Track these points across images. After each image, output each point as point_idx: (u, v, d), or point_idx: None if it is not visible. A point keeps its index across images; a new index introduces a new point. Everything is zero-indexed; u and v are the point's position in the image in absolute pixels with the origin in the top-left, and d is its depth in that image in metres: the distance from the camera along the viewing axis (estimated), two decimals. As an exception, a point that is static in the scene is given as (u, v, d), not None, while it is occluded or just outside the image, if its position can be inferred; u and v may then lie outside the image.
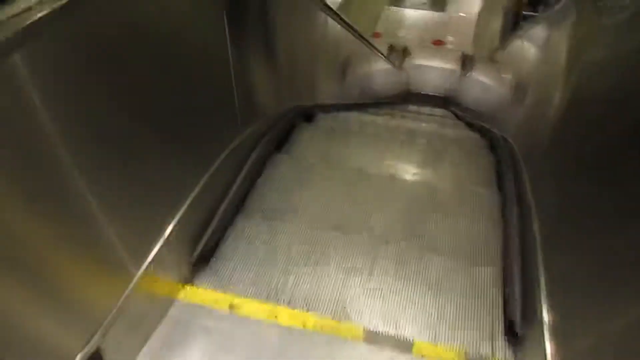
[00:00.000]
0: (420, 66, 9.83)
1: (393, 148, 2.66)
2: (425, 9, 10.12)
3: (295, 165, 2.35)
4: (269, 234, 1.99)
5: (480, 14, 9.24)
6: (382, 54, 6.30)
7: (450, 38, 9.88)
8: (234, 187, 2.09)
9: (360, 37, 4.42)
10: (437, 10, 10.09)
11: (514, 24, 6.05)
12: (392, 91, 8.07)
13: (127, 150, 1.35)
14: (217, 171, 1.92)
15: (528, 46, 3.06)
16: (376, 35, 9.57)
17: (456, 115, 5.86)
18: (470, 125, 4.16)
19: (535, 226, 1.90)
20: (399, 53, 9.30)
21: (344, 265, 1.86)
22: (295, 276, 1.83)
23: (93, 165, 1.19)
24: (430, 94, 9.72)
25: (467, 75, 8.50)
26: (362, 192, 2.21)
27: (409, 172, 2.47)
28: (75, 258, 1.23)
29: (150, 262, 1.57)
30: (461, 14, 10.08)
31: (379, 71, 6.47)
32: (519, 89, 2.96)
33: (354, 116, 3.43)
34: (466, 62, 9.50)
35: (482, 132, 3.28)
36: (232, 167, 2.09)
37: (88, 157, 1.16)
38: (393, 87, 8.20)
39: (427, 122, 3.96)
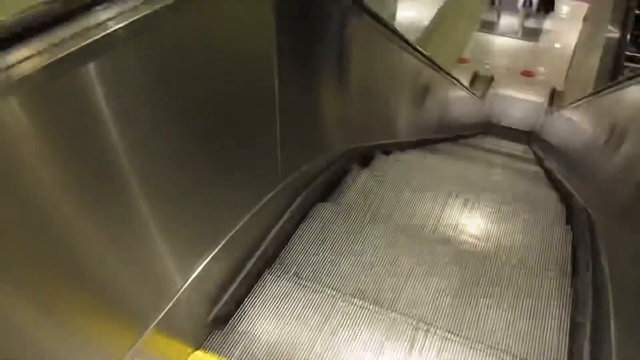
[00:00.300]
0: (504, 96, 9.34)
1: (456, 204, 2.36)
2: (517, 37, 9.62)
3: (341, 218, 2.11)
4: (297, 300, 1.76)
5: (576, 48, 8.62)
6: (462, 84, 5.95)
7: (540, 69, 9.30)
8: (268, 240, 1.88)
9: (439, 68, 4.14)
10: (529, 40, 9.57)
11: (615, 64, 5.49)
12: (471, 122, 7.67)
13: (170, 180, 1.25)
14: (250, 221, 1.73)
15: (633, 93, 2.69)
16: (463, 60, 9.20)
17: (538, 161, 5.40)
18: (548, 175, 3.75)
19: (613, 329, 1.57)
20: (483, 81, 8.87)
21: (376, 352, 1.61)
22: (317, 358, 1.60)
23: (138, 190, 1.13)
24: (512, 127, 9.20)
25: (555, 112, 7.94)
26: (412, 256, 1.95)
27: (469, 237, 2.17)
28: (94, 293, 1.10)
29: (162, 317, 1.40)
30: (556, 45, 9.47)
31: (459, 100, 6.12)
32: (612, 142, 2.59)
33: (417, 159, 3.14)
34: (555, 98, 8.91)
35: (563, 194, 2.90)
36: (268, 217, 1.89)
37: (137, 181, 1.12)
38: (473, 118, 7.80)
39: (501, 171, 3.59)
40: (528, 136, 8.29)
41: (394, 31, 2.73)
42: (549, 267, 1.97)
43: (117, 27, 0.88)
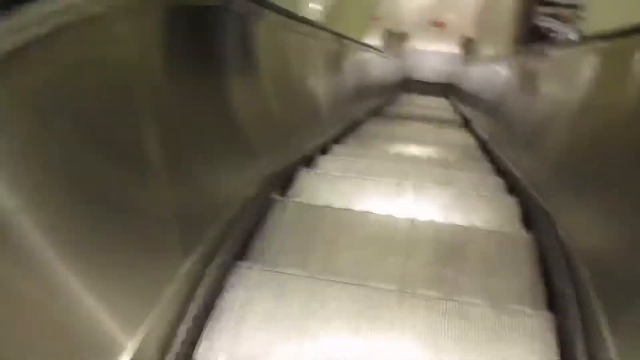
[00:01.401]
0: (418, 51, 9.05)
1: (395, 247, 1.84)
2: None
3: (262, 284, 1.59)
4: None
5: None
6: (376, 48, 5.52)
7: (452, 18, 9.03)
8: (179, 334, 1.38)
9: (344, 37, 3.70)
10: (438, -14, 9.22)
11: (528, 8, 5.21)
12: (393, 84, 7.30)
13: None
14: (158, 316, 1.21)
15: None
16: (376, 19, 8.74)
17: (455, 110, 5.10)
18: (487, 152, 3.41)
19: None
20: (396, 38, 8.51)
21: None
22: None
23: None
24: (430, 81, 8.97)
25: (469, 60, 7.74)
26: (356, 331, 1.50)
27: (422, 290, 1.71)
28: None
29: None
30: (462, -10, 9.19)
31: (376, 67, 5.69)
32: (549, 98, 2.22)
33: (350, 164, 2.64)
34: (468, 46, 8.71)
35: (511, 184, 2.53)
36: (177, 303, 1.38)
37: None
38: (393, 79, 7.43)
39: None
40: (445, 86, 8.14)
41: (294, 17, 2.22)
42: (519, 297, 1.59)
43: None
